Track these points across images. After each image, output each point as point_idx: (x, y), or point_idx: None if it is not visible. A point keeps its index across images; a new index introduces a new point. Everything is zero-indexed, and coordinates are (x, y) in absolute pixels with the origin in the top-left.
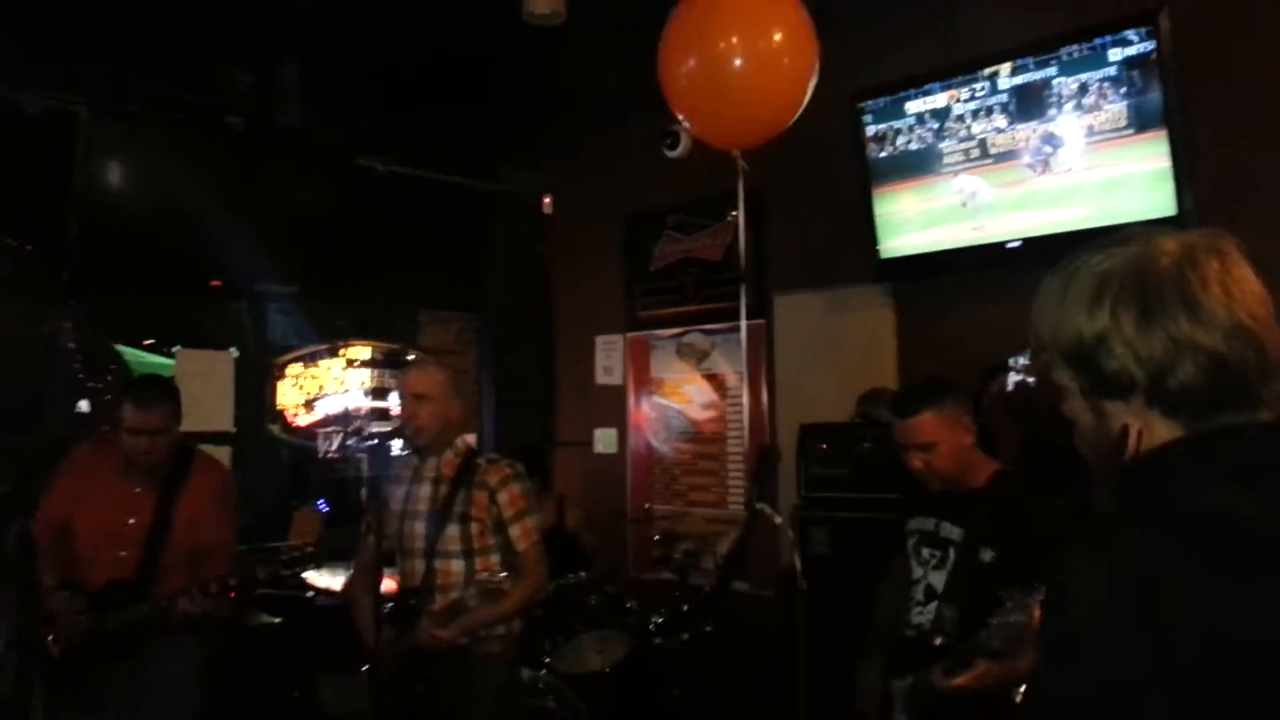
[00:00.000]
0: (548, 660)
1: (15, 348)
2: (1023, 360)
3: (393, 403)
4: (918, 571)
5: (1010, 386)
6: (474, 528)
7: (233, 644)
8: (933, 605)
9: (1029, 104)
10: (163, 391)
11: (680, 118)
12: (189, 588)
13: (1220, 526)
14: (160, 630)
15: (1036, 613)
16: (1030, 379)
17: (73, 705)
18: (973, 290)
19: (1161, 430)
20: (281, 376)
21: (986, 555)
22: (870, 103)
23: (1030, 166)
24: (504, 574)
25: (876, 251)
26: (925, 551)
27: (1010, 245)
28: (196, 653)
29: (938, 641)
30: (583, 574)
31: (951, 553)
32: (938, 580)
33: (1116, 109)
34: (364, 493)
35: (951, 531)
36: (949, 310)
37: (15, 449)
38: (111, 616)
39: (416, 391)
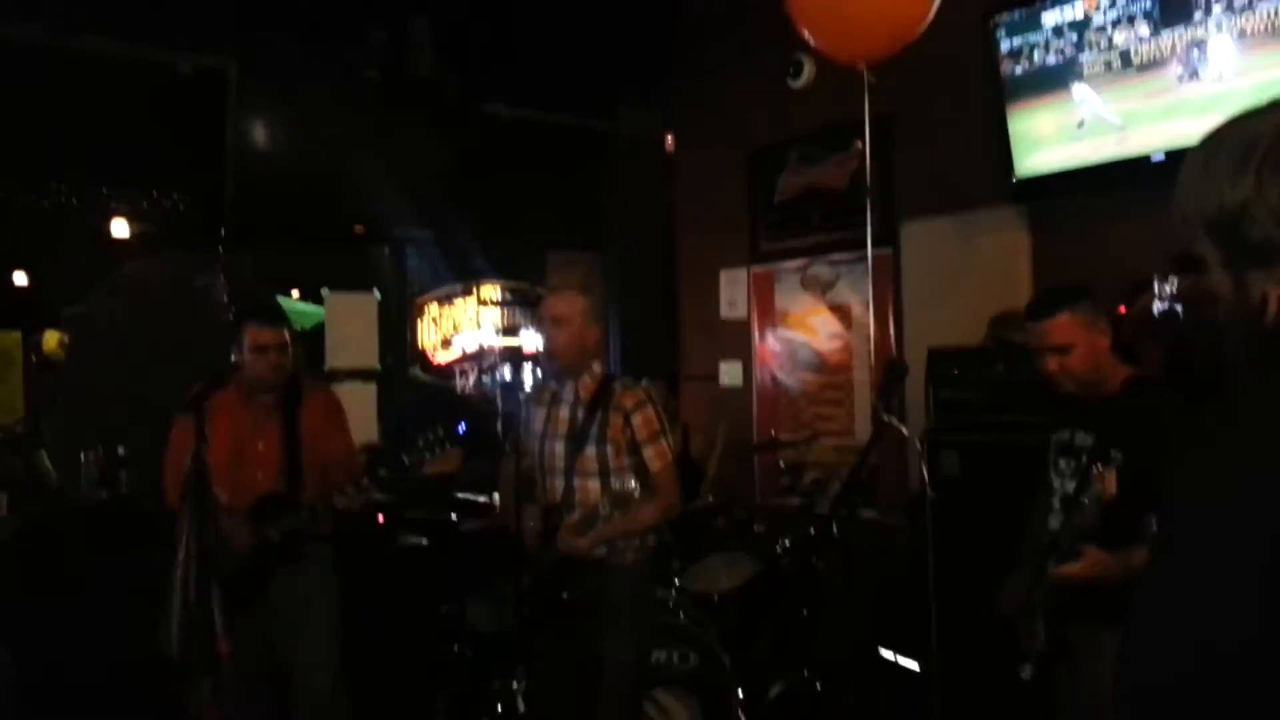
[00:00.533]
0: (677, 581)
1: (173, 300)
2: (1167, 283)
3: (524, 340)
4: (1056, 482)
5: (1154, 309)
6: (610, 449)
7: (382, 562)
8: None
9: (1174, 9)
10: (278, 310)
11: (804, 34)
12: (342, 487)
13: None
14: (312, 537)
15: (1110, 479)
16: (1176, 303)
17: (244, 617)
18: (1113, 207)
19: None
20: (420, 316)
21: (1116, 457)
22: (1004, 16)
23: (1177, 76)
24: (634, 484)
25: (1012, 171)
26: (1062, 462)
27: (1155, 158)
28: (327, 566)
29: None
30: (710, 498)
31: (1085, 459)
32: (1071, 488)
33: (1271, 8)
34: (500, 425)
35: (1085, 439)
36: (1087, 229)
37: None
38: (272, 526)
39: (555, 315)
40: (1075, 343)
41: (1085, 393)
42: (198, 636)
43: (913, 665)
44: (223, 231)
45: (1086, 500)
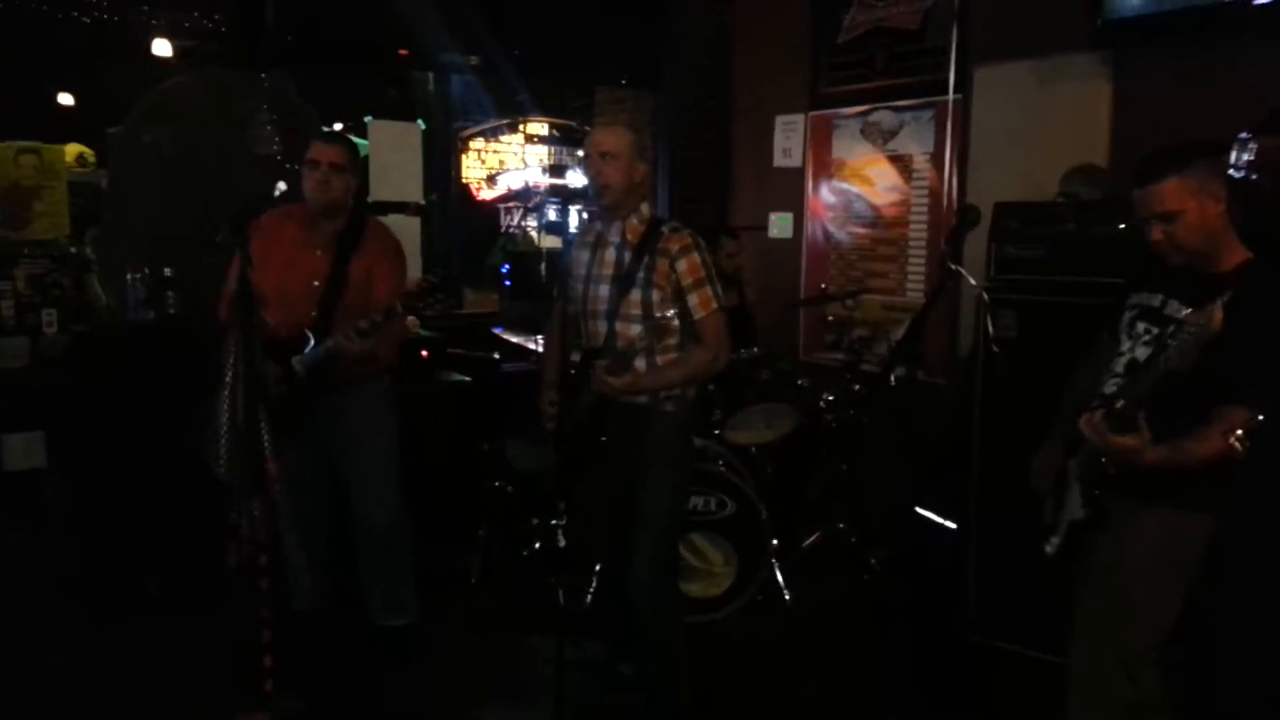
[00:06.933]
0: (717, 431)
1: (215, 122)
2: (1248, 145)
3: (570, 180)
4: (1125, 345)
5: (1234, 164)
6: (655, 294)
7: (425, 397)
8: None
9: None
10: (346, 138)
11: None
12: (346, 329)
13: None
14: (350, 379)
15: (1218, 315)
16: (1256, 166)
17: (292, 444)
18: (1208, 55)
19: None
20: (465, 150)
21: (1227, 294)
22: None
23: None
24: (671, 312)
25: (1099, 11)
26: (1140, 326)
27: (1259, 1)
28: (386, 398)
29: (1119, 405)
30: (755, 350)
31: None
32: (1144, 355)
33: None
34: (543, 267)
35: (1179, 310)
36: (1177, 80)
37: (225, 202)
38: (297, 361)
39: (603, 149)
40: (1182, 209)
41: (1194, 264)
42: (247, 457)
43: (949, 525)
44: (263, 53)
45: (1175, 342)
